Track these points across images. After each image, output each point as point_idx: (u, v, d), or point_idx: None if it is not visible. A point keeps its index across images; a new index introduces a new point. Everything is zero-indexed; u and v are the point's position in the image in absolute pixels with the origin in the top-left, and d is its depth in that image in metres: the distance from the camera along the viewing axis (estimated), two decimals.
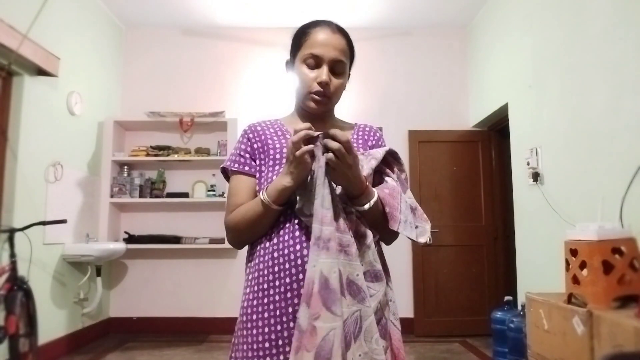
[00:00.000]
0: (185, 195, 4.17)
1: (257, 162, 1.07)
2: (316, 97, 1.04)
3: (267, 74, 4.44)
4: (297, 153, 0.88)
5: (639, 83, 2.06)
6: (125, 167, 4.18)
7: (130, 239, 4.11)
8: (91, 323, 3.81)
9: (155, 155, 4.15)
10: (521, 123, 3.35)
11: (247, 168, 1.06)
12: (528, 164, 3.13)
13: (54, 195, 3.30)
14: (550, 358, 1.96)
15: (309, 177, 0.94)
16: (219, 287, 4.24)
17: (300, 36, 1.07)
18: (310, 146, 0.90)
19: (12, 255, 2.64)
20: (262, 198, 0.95)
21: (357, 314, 0.85)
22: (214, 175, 4.24)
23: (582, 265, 1.83)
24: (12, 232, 2.69)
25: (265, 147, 1.07)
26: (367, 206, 0.94)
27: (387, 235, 1.02)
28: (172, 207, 4.28)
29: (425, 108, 4.46)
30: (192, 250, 4.18)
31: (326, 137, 0.90)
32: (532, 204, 3.12)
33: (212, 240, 4.09)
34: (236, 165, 1.07)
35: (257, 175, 1.06)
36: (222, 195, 4.10)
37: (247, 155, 1.07)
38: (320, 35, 1.03)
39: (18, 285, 2.60)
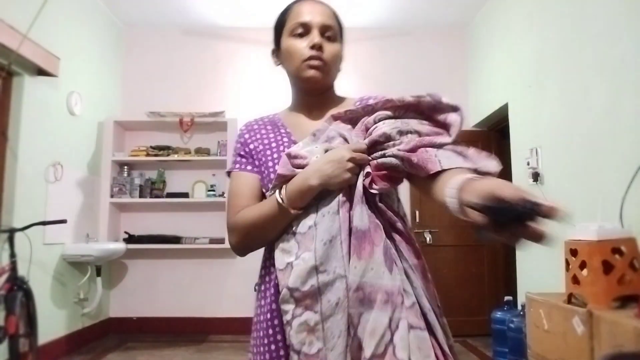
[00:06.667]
0: (185, 195, 4.17)
1: (257, 162, 1.00)
2: (312, 62, 0.95)
3: (266, 74, 4.43)
4: (348, 170, 0.84)
5: (639, 83, 2.06)
6: (125, 167, 4.18)
7: (130, 239, 4.11)
8: (91, 323, 3.81)
9: (155, 155, 4.15)
10: (521, 123, 3.35)
11: (249, 167, 1.00)
12: (528, 164, 3.13)
13: (54, 195, 3.30)
14: (550, 358, 1.96)
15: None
16: (219, 287, 4.24)
17: (283, 14, 1.04)
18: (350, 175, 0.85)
19: (12, 255, 2.63)
20: (279, 200, 0.87)
21: None
22: (214, 175, 4.24)
23: (582, 265, 1.83)
24: (12, 232, 2.69)
25: (261, 147, 1.00)
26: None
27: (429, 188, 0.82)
28: (172, 207, 4.28)
29: None
30: (192, 250, 4.18)
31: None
32: None
33: (212, 240, 4.09)
34: (237, 166, 1.02)
35: (260, 176, 0.99)
36: (222, 195, 4.10)
37: (247, 155, 1.02)
38: (304, 6, 1.00)
39: (18, 285, 2.59)
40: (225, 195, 4.06)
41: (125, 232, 4.17)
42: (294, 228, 0.88)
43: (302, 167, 0.89)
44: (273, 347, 0.88)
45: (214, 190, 4.19)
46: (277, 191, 0.88)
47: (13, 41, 2.71)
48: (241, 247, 0.96)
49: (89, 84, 3.85)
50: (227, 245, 3.99)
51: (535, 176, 3.01)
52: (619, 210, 2.08)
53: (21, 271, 2.67)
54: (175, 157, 4.16)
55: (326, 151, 0.89)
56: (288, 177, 0.89)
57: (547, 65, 2.93)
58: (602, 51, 2.34)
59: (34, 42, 2.95)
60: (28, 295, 2.66)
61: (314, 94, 1.02)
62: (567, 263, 1.93)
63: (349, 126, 0.93)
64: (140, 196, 4.12)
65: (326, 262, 0.82)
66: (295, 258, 0.86)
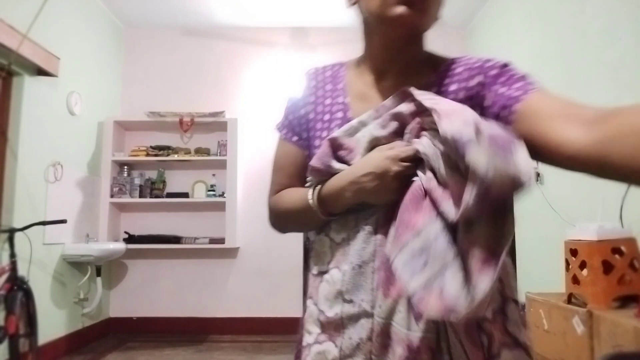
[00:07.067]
0: (185, 195, 4.17)
1: (305, 134, 0.82)
2: None
3: (267, 74, 4.44)
4: (392, 174, 0.65)
5: (639, 83, 2.06)
6: (125, 167, 4.18)
7: (130, 239, 4.11)
8: (91, 323, 3.81)
9: (155, 155, 4.15)
10: None
11: (295, 138, 0.83)
12: None
13: (54, 195, 3.30)
14: (550, 358, 1.96)
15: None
16: (219, 287, 4.24)
17: None
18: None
19: (12, 255, 2.63)
20: (310, 201, 0.73)
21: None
22: (214, 175, 4.23)
23: (582, 265, 1.83)
24: (12, 232, 2.69)
25: (313, 115, 0.82)
26: None
27: None
28: (172, 207, 4.28)
29: None
30: (192, 250, 4.18)
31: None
32: (532, 204, 3.12)
33: (212, 240, 4.09)
34: (284, 132, 0.85)
35: (308, 150, 0.82)
36: (222, 195, 4.10)
37: (296, 122, 0.84)
38: None
39: (18, 285, 2.59)
40: (225, 195, 4.06)
41: (125, 232, 4.17)
42: (330, 233, 0.74)
43: (346, 162, 0.72)
44: None
45: (214, 190, 4.19)
46: (311, 189, 0.75)
47: (13, 41, 2.71)
48: (277, 229, 0.87)
49: (89, 84, 3.85)
50: (227, 245, 4.00)
51: (536, 176, 3.01)
52: (619, 210, 2.08)
53: (21, 271, 2.66)
54: (175, 157, 4.16)
55: (371, 147, 0.69)
56: (323, 173, 0.73)
57: (547, 65, 2.93)
58: (602, 51, 2.34)
59: (34, 42, 2.95)
60: (28, 295, 2.65)
61: (399, 43, 0.76)
62: (567, 263, 1.93)
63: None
64: (140, 196, 4.11)
65: (353, 291, 0.67)
66: (326, 269, 0.72)
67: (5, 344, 2.40)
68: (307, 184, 0.78)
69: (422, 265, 0.57)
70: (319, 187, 0.73)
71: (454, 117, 0.58)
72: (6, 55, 2.71)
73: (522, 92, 0.64)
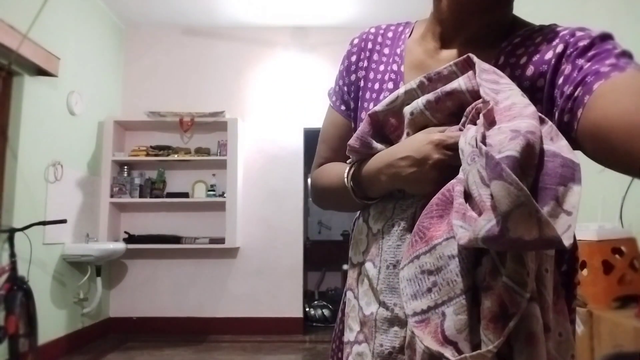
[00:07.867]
0: (185, 195, 4.17)
1: (354, 103, 0.74)
2: None
3: (267, 74, 4.44)
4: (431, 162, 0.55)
5: None
6: (125, 167, 4.18)
7: (130, 239, 4.11)
8: (91, 323, 3.81)
9: (155, 155, 4.15)
10: None
11: (343, 107, 0.76)
12: None
13: (54, 195, 3.30)
14: None
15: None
16: (219, 287, 4.24)
17: None
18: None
19: (12, 255, 2.63)
20: (345, 182, 0.67)
21: None
22: (214, 175, 4.23)
23: (582, 265, 1.83)
24: (12, 232, 2.69)
25: (363, 83, 0.73)
26: None
27: None
28: (172, 207, 4.28)
29: None
30: (192, 250, 4.18)
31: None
32: None
33: (212, 240, 4.08)
34: (333, 99, 0.78)
35: (354, 122, 0.75)
36: (222, 195, 4.10)
37: (345, 89, 0.76)
38: None
39: (18, 285, 2.60)
40: (225, 195, 4.06)
41: (125, 232, 4.17)
42: (369, 220, 0.66)
43: (390, 141, 0.64)
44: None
45: (214, 190, 4.19)
46: (348, 168, 0.67)
47: (13, 41, 2.70)
48: (318, 206, 0.82)
49: (89, 84, 3.85)
50: (227, 245, 4.00)
51: None
52: (619, 210, 2.08)
53: (21, 271, 2.67)
54: (175, 157, 4.16)
55: (421, 126, 0.60)
56: (361, 153, 0.65)
57: None
58: None
59: (34, 42, 2.95)
60: (28, 295, 2.65)
61: (473, 8, 0.63)
62: None
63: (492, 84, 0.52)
64: (140, 196, 4.12)
65: (387, 292, 0.59)
66: (362, 260, 0.66)
67: (5, 344, 2.40)
68: (349, 161, 0.70)
69: (428, 287, 0.50)
70: (355, 165, 0.66)
71: (506, 119, 0.45)
72: (6, 55, 2.71)
73: (613, 69, 0.48)
